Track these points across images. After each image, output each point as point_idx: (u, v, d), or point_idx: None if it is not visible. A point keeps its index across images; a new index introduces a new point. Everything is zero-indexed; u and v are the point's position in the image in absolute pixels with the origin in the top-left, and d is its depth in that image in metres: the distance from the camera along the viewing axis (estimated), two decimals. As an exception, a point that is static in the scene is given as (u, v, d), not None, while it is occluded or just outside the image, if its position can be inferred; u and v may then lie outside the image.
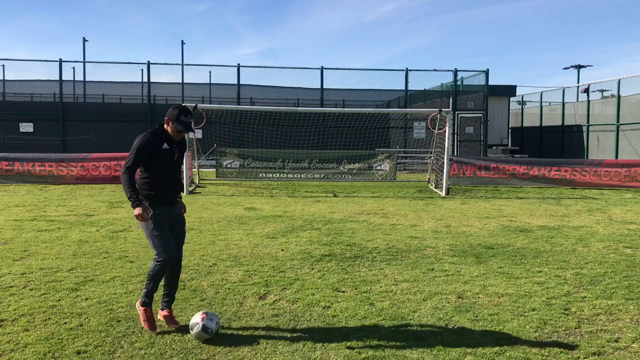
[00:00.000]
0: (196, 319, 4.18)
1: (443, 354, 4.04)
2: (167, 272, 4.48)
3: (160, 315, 4.57)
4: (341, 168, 16.74)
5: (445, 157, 14.61)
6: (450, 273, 6.25)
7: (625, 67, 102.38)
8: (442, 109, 15.64)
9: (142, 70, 24.08)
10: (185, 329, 4.41)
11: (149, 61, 22.50)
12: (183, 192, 4.76)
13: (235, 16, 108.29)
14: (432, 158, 16.82)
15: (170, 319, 4.52)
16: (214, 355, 3.98)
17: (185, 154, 4.77)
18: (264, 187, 15.78)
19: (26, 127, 21.90)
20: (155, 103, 23.27)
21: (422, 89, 25.46)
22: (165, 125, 4.45)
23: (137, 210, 4.21)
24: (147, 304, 4.44)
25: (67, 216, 10.01)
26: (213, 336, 4.20)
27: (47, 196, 12.99)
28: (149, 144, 4.30)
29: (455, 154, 21.49)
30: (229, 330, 4.47)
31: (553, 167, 16.12)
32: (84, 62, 27.96)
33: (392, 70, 27.82)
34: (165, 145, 4.38)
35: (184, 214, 4.69)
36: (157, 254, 4.35)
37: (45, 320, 4.61)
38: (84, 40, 34.24)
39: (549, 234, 8.77)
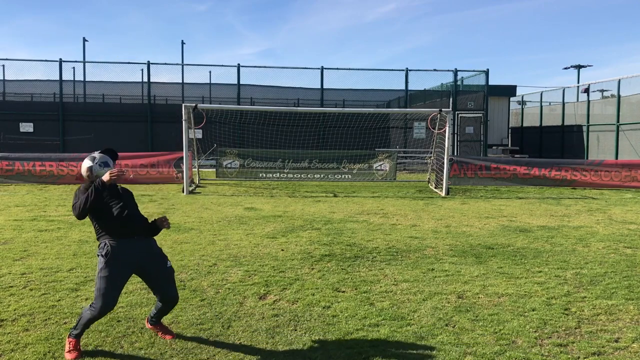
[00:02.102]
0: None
1: (443, 354, 4.04)
2: (164, 307, 4.18)
3: (148, 326, 4.37)
4: (341, 168, 16.74)
5: (445, 157, 14.60)
6: (450, 273, 6.25)
7: (625, 67, 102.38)
8: (442, 109, 15.64)
9: (142, 70, 24.08)
10: (184, 331, 4.42)
11: (149, 61, 22.50)
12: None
13: (235, 16, 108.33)
14: (432, 158, 16.82)
15: (161, 330, 4.32)
16: (214, 355, 3.99)
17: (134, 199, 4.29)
18: (264, 187, 15.78)
19: (26, 127, 21.89)
20: (155, 103, 23.26)
21: (422, 89, 25.45)
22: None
23: (107, 175, 3.81)
24: (76, 336, 4.02)
25: (67, 216, 10.01)
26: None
27: (47, 196, 12.99)
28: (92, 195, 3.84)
29: (455, 154, 21.49)
30: (229, 330, 4.47)
31: (553, 168, 16.11)
32: (84, 62, 27.93)
33: (392, 70, 27.84)
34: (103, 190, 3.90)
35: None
36: (95, 298, 3.91)
37: (45, 320, 4.61)
38: (84, 40, 34.22)
39: (549, 234, 8.76)
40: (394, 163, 17.03)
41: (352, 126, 21.47)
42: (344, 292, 5.53)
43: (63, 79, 22.60)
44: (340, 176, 16.74)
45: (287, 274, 6.16)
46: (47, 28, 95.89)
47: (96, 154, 4.10)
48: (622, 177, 15.99)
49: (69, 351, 3.95)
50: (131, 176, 15.79)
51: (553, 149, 26.50)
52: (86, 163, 4.06)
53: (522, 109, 31.53)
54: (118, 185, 4.14)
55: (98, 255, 3.95)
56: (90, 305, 3.96)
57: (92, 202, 3.78)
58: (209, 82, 26.81)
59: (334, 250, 7.39)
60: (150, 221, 4.18)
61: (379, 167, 16.83)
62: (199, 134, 18.05)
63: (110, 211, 3.94)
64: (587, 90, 25.16)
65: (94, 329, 4.41)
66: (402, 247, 7.66)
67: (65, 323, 4.54)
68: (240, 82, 22.89)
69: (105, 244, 3.92)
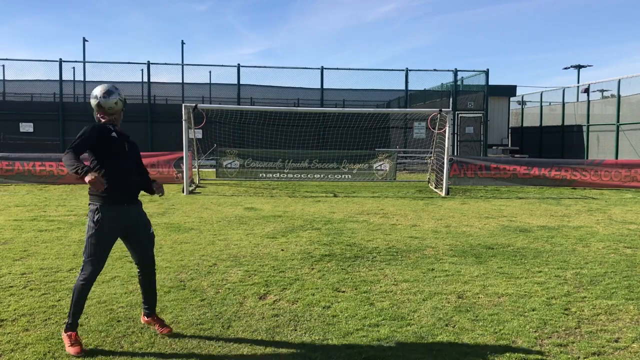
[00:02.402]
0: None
1: (443, 354, 4.04)
2: (145, 278, 4.26)
3: (144, 320, 4.40)
4: (341, 168, 16.74)
5: (445, 157, 14.60)
6: (450, 273, 6.25)
7: (625, 67, 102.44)
8: (442, 109, 15.64)
9: (142, 70, 24.09)
10: (184, 331, 4.42)
11: (149, 61, 22.51)
12: (155, 192, 4.43)
13: (235, 16, 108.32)
14: (432, 158, 16.82)
15: (157, 323, 4.33)
16: (214, 356, 3.98)
17: (138, 152, 4.35)
18: (264, 187, 15.77)
19: (26, 127, 21.90)
20: (156, 103, 23.27)
21: (422, 89, 25.46)
22: (100, 117, 4.13)
23: (89, 177, 3.66)
24: (71, 327, 4.00)
25: (67, 216, 10.01)
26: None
27: (47, 196, 12.99)
28: (94, 132, 3.99)
29: (455, 154, 21.49)
30: (229, 330, 4.47)
31: (553, 168, 16.12)
32: (84, 62, 27.93)
33: (392, 70, 27.82)
34: (113, 134, 4.06)
35: (160, 194, 4.37)
36: (84, 264, 3.98)
37: (45, 320, 4.61)
38: (84, 40, 34.20)
39: (549, 234, 8.76)
40: (394, 163, 17.03)
41: (352, 126, 21.47)
42: (344, 292, 5.53)
43: (63, 79, 22.62)
44: (340, 176, 16.74)
45: (287, 274, 6.16)
46: (47, 28, 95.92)
47: (97, 91, 4.12)
48: (622, 177, 15.99)
49: (71, 345, 3.93)
50: None
51: (553, 149, 26.50)
52: (92, 101, 4.13)
53: (522, 109, 31.53)
54: (127, 137, 4.22)
55: (89, 219, 3.96)
56: (80, 275, 4.01)
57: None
58: (209, 82, 26.82)
59: (334, 250, 7.39)
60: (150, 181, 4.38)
61: (379, 167, 16.83)
62: (199, 134, 18.05)
63: (108, 172, 3.94)
64: (587, 90, 25.16)
65: (94, 328, 4.41)
66: (402, 247, 7.66)
67: (65, 323, 4.53)
68: (240, 82, 22.90)
69: (97, 209, 3.95)
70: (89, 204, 4.04)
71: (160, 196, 4.32)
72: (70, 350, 3.91)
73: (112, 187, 3.92)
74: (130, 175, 4.15)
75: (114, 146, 4.06)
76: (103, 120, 4.14)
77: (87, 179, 3.68)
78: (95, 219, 3.93)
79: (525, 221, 10.00)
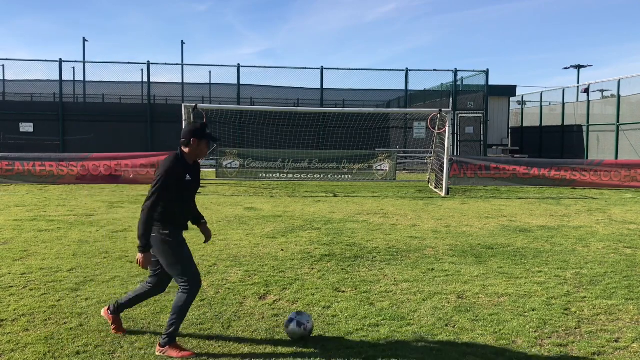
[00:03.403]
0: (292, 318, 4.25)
1: (443, 354, 4.04)
2: (147, 292, 4.24)
3: (106, 314, 4.33)
4: (341, 168, 16.74)
5: (445, 157, 14.60)
6: (450, 273, 6.25)
7: (625, 67, 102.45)
8: (442, 109, 15.64)
9: (142, 70, 24.09)
10: (184, 331, 4.42)
11: (149, 61, 22.51)
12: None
13: (235, 16, 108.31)
14: (432, 158, 16.82)
15: (118, 323, 4.31)
16: (214, 356, 3.98)
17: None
18: (264, 187, 15.77)
19: (26, 127, 21.89)
20: (155, 103, 23.26)
21: (422, 89, 25.46)
22: (187, 149, 4.02)
23: (141, 256, 3.86)
24: (170, 341, 3.97)
25: (67, 216, 10.01)
26: (307, 333, 4.22)
27: (47, 196, 12.99)
28: (176, 170, 3.93)
29: (455, 154, 21.49)
30: (229, 330, 4.47)
31: (553, 168, 16.11)
32: (84, 62, 27.96)
33: (392, 70, 27.80)
34: (187, 177, 4.02)
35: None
36: (187, 281, 3.95)
37: (45, 320, 4.61)
38: (84, 40, 34.24)
39: (549, 234, 8.76)
40: (394, 163, 17.03)
41: (352, 126, 21.47)
42: (344, 292, 5.53)
43: (63, 79, 22.61)
44: (340, 176, 16.74)
45: (287, 274, 6.16)
46: (47, 28, 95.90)
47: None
48: (621, 177, 15.99)
49: (182, 351, 3.92)
50: (131, 176, 15.79)
51: (553, 149, 26.50)
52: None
53: (522, 109, 31.53)
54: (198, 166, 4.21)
55: (168, 245, 3.95)
56: (182, 290, 3.98)
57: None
58: (209, 82, 26.82)
59: (334, 250, 7.39)
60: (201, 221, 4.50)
61: (379, 167, 16.82)
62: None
63: (180, 202, 4.02)
64: (587, 90, 25.16)
65: (94, 328, 4.42)
66: (402, 247, 7.66)
67: (65, 323, 4.54)
68: (240, 82, 22.90)
69: (170, 231, 3.97)
70: (161, 233, 3.97)
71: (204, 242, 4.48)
72: (185, 353, 3.92)
73: (176, 219, 4.04)
74: (189, 212, 4.31)
75: (185, 190, 4.09)
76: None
77: (138, 257, 3.89)
78: (175, 239, 3.99)
79: (525, 221, 10.00)
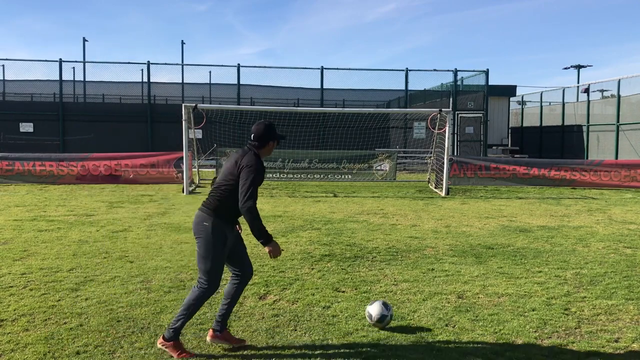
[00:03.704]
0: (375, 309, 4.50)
1: (443, 354, 4.04)
2: (237, 288, 4.12)
3: (213, 337, 4.10)
4: (341, 168, 16.74)
5: (445, 157, 14.60)
6: (450, 273, 6.25)
7: (625, 67, 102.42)
8: (442, 109, 15.64)
9: (142, 70, 24.09)
10: (184, 331, 4.42)
11: (149, 61, 22.50)
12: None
13: (235, 16, 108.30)
14: (432, 158, 16.82)
15: (229, 337, 4.14)
16: (214, 355, 3.98)
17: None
18: (264, 187, 15.77)
19: (26, 127, 21.89)
20: (156, 103, 23.26)
21: (422, 89, 25.46)
22: (263, 149, 4.10)
23: (270, 248, 3.91)
24: (174, 338, 3.96)
25: (67, 216, 10.01)
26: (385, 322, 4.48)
27: (47, 196, 12.99)
28: (263, 168, 4.03)
29: (455, 154, 21.49)
30: (229, 330, 4.46)
31: (553, 168, 16.12)
32: (84, 62, 27.94)
33: (392, 70, 27.82)
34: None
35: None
36: (208, 281, 3.94)
37: (45, 320, 4.61)
38: (84, 40, 34.23)
39: (549, 234, 8.76)
40: (394, 163, 17.02)
41: (352, 126, 21.46)
42: (344, 292, 5.53)
43: (63, 79, 22.61)
44: (340, 176, 16.74)
45: (287, 274, 6.16)
46: (47, 28, 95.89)
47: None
48: (621, 177, 15.99)
49: (181, 353, 3.90)
50: (131, 176, 15.79)
51: (553, 149, 26.50)
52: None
53: (522, 109, 31.53)
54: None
55: (210, 232, 3.93)
56: (199, 287, 3.96)
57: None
58: (209, 82, 26.82)
59: (334, 250, 7.39)
60: None
61: (379, 167, 16.82)
62: (199, 134, 18.04)
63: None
64: (587, 90, 25.16)
65: (94, 328, 4.42)
66: (402, 247, 7.66)
67: (65, 323, 4.54)
68: (240, 82, 22.90)
69: (219, 222, 3.96)
70: (213, 220, 3.98)
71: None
72: (185, 355, 3.91)
73: (234, 215, 4.07)
74: None
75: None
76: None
77: (270, 249, 3.91)
78: (224, 239, 3.99)
79: (525, 221, 10.00)
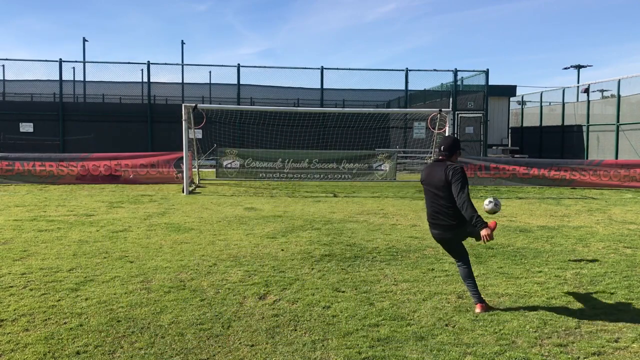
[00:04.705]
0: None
1: (443, 354, 4.04)
2: (469, 267, 5.14)
3: (481, 308, 4.97)
4: (341, 168, 16.74)
5: (445, 157, 14.58)
6: (450, 273, 6.25)
7: (625, 67, 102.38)
8: (442, 109, 15.64)
9: (142, 70, 24.10)
10: (184, 331, 4.42)
11: (149, 61, 22.51)
12: None
13: (235, 16, 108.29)
14: (432, 158, 16.81)
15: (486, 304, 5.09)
16: (214, 356, 3.99)
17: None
18: (264, 187, 15.78)
19: (26, 127, 21.89)
20: (156, 103, 23.26)
21: (422, 89, 25.46)
22: (453, 157, 5.16)
23: (487, 231, 4.64)
24: (481, 300, 5.01)
25: (67, 216, 10.01)
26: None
27: (47, 196, 12.99)
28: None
29: (455, 154, 21.43)
30: (229, 330, 4.47)
31: (553, 168, 16.12)
32: (84, 62, 27.92)
33: (392, 70, 27.84)
34: None
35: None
36: (465, 260, 5.11)
37: (45, 320, 4.61)
38: (84, 40, 34.26)
39: (549, 234, 8.76)
40: (394, 163, 17.03)
41: (352, 126, 21.46)
42: (344, 292, 5.53)
43: (63, 79, 22.60)
44: (340, 176, 16.74)
45: (287, 274, 6.16)
46: (47, 28, 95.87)
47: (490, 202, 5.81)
48: (621, 177, 15.99)
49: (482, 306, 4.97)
50: (131, 176, 15.79)
51: (553, 149, 26.50)
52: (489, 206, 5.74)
53: (522, 109, 31.53)
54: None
55: (461, 230, 5.04)
56: (464, 266, 5.10)
57: None
58: (209, 82, 26.83)
59: (334, 250, 7.39)
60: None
61: (378, 167, 16.82)
62: (199, 134, 18.05)
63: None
64: (587, 90, 25.16)
65: (94, 328, 4.42)
66: (402, 247, 7.66)
67: (65, 323, 4.54)
68: (240, 82, 22.89)
69: (461, 220, 4.99)
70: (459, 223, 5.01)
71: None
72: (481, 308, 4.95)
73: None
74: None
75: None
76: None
77: (485, 232, 4.65)
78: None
79: (525, 221, 10.00)
